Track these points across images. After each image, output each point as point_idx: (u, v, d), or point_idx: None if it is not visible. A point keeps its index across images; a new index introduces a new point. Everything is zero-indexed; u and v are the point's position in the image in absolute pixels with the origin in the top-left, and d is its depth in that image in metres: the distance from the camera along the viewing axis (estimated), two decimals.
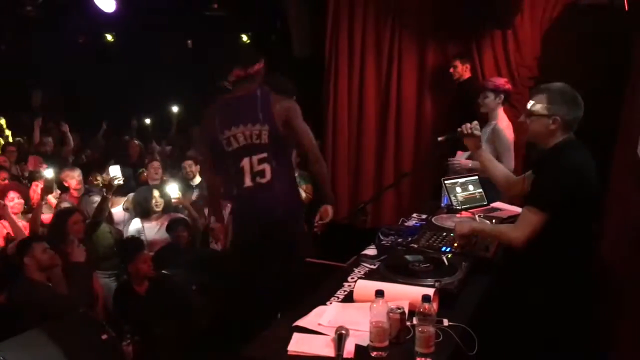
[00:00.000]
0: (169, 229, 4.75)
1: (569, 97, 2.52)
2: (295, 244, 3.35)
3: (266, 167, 3.21)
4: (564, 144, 2.52)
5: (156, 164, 5.90)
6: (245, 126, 3.19)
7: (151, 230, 4.88)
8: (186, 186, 5.59)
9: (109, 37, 9.94)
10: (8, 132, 8.01)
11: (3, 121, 8.04)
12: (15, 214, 4.69)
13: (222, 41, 8.13)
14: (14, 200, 4.77)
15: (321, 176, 3.44)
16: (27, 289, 3.52)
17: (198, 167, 5.74)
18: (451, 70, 5.15)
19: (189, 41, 9.71)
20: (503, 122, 4.25)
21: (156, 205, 4.91)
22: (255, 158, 3.21)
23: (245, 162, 3.22)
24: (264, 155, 3.21)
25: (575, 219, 2.47)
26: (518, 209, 3.45)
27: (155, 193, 4.97)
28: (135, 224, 4.92)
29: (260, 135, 3.19)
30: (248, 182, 3.23)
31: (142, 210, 4.94)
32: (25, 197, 5.10)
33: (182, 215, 5.07)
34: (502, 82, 4.37)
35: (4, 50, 9.21)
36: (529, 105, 2.59)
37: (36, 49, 9.18)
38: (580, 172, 2.47)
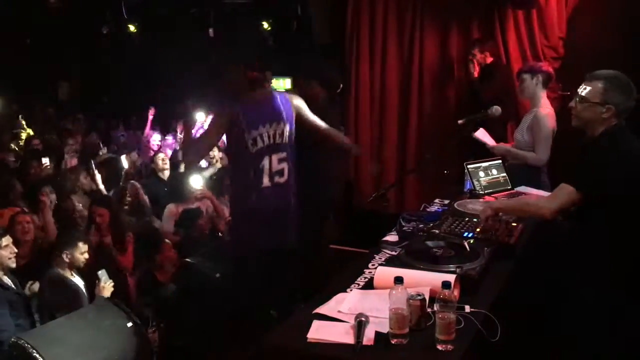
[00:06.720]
0: (179, 225, 4.77)
1: (625, 86, 2.43)
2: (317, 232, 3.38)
3: (285, 166, 3.25)
4: (615, 131, 2.44)
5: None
6: (270, 126, 3.20)
7: None
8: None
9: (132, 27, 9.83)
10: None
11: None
12: None
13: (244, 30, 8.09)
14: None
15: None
16: None
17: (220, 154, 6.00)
18: (470, 57, 5.05)
19: (210, 30, 9.66)
20: (545, 109, 3.90)
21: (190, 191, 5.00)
22: (275, 157, 3.22)
23: (266, 161, 3.21)
24: (284, 154, 3.25)
25: (620, 210, 2.38)
26: (544, 193, 3.40)
27: (190, 179, 5.03)
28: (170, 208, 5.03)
29: (282, 134, 3.24)
30: (266, 181, 3.22)
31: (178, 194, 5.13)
32: None
33: (193, 207, 5.05)
34: (538, 64, 4.11)
35: (30, 43, 9.32)
36: (581, 91, 2.48)
37: (61, 41, 9.25)
38: (630, 159, 2.39)
